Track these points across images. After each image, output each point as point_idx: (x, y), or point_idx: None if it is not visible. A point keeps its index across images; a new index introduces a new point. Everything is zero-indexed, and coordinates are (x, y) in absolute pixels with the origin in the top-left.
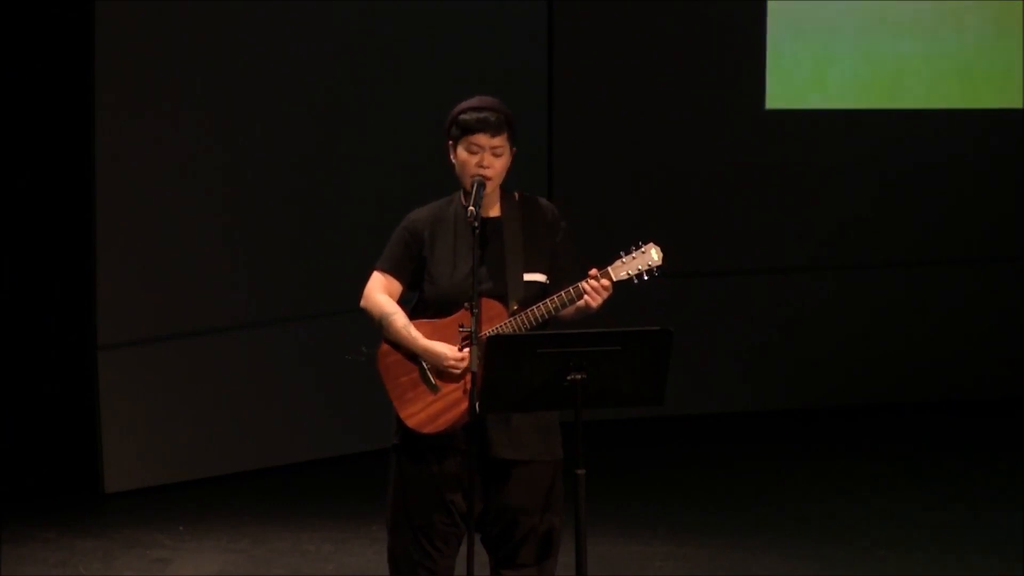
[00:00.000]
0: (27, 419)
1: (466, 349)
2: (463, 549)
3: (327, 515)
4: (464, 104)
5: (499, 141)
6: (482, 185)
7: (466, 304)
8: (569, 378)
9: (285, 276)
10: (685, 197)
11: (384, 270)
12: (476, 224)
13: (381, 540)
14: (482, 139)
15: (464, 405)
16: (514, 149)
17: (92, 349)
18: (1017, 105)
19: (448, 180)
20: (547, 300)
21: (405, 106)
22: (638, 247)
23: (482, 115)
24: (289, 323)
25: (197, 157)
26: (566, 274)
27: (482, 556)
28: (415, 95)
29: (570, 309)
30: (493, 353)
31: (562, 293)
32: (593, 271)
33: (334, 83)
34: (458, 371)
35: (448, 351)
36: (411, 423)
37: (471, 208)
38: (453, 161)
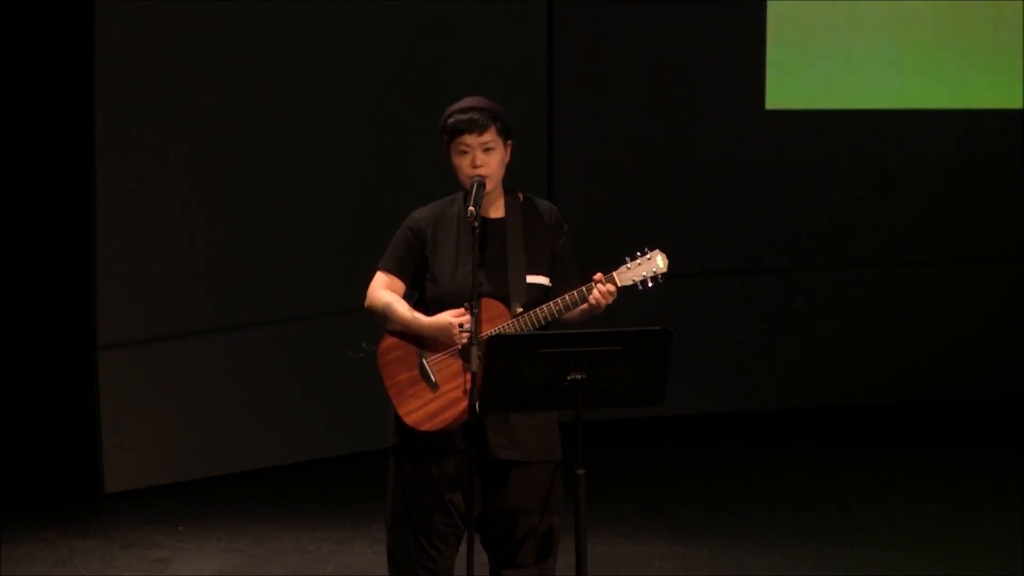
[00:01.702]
0: (27, 419)
1: (463, 313)
2: (463, 549)
3: (327, 515)
4: (450, 108)
5: (488, 137)
6: (482, 186)
7: (466, 304)
8: (569, 378)
9: (285, 276)
10: (685, 197)
11: (387, 270)
12: (476, 224)
13: (381, 540)
14: (470, 139)
15: (463, 404)
16: (509, 142)
17: (92, 349)
18: (1017, 105)
19: (447, 181)
20: (552, 302)
21: (405, 106)
22: (644, 253)
23: (465, 115)
24: (288, 323)
25: (197, 158)
26: (567, 277)
27: (482, 556)
28: (415, 95)
29: (575, 312)
30: (493, 353)
31: (566, 296)
32: (598, 275)
33: (333, 84)
34: (463, 338)
35: (451, 317)
36: (409, 420)
37: (471, 208)
38: (451, 166)
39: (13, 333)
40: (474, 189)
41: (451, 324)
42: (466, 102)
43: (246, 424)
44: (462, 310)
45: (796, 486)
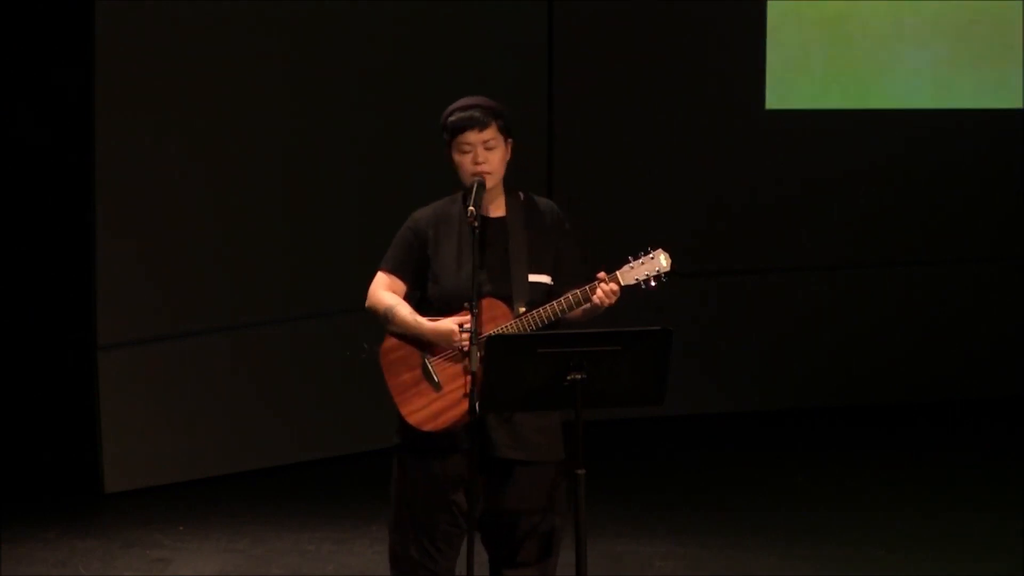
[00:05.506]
0: (27, 419)
1: (465, 315)
2: (463, 549)
3: (327, 515)
4: (450, 107)
5: (489, 134)
6: (482, 186)
7: (466, 304)
8: (569, 378)
9: (285, 276)
10: (685, 197)
11: (388, 270)
12: (475, 224)
13: (381, 540)
14: (471, 137)
15: (465, 404)
16: (510, 140)
17: (92, 349)
18: (1017, 105)
19: (447, 181)
20: (555, 302)
21: (405, 107)
22: (647, 252)
23: (466, 113)
24: (288, 323)
25: (197, 157)
26: (571, 275)
27: (482, 556)
28: (415, 95)
29: (577, 311)
30: (493, 353)
31: (569, 296)
32: (601, 274)
33: (333, 84)
34: (464, 340)
35: (453, 323)
36: (412, 420)
37: (471, 208)
38: (453, 164)
39: (13, 333)
40: (474, 189)
41: (453, 331)
42: (466, 100)
43: (246, 424)
44: (465, 314)
45: (797, 486)
